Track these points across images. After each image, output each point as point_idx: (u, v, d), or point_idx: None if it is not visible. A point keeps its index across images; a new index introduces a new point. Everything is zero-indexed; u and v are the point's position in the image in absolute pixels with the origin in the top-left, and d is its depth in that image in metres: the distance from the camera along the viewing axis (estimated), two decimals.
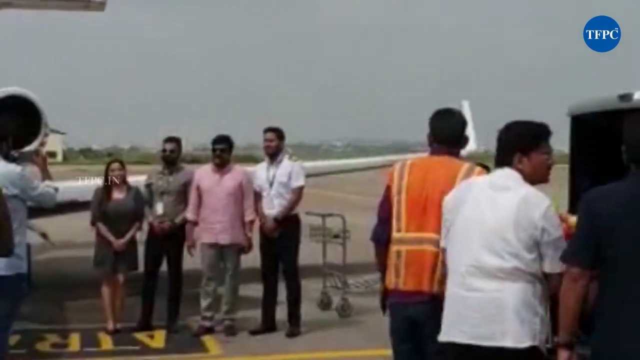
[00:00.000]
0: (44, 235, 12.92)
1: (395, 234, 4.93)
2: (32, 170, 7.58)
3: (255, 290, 10.19)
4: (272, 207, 9.49)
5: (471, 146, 20.33)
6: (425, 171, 4.94)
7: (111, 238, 9.53)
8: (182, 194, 9.78)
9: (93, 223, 9.75)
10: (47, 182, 7.06)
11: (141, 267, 9.85)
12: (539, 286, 4.16)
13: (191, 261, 9.99)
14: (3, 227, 5.83)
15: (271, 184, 9.53)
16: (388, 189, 5.05)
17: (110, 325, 9.56)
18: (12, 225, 5.82)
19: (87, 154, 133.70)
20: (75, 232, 16.54)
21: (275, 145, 9.65)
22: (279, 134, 9.75)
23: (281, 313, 9.69)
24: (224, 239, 9.52)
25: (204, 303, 9.61)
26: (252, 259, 9.89)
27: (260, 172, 9.72)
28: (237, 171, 9.80)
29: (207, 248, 9.61)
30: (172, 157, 9.95)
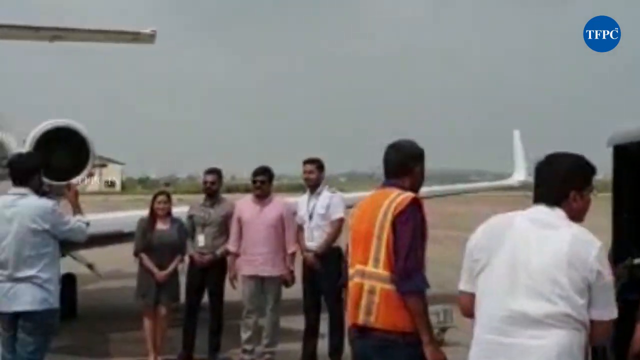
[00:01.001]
0: (90, 267, 13.04)
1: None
2: (63, 204, 7.63)
3: (297, 322, 10.10)
4: (312, 239, 9.40)
5: (522, 176, 20.23)
6: (366, 206, 4.96)
7: (154, 269, 9.55)
8: (223, 226, 9.77)
9: (136, 254, 9.78)
10: (79, 217, 7.10)
11: (183, 299, 9.84)
12: (584, 337, 3.86)
13: (233, 293, 9.94)
14: None
15: (311, 216, 9.46)
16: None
17: (152, 358, 9.54)
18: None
19: (145, 183, 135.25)
20: (124, 262, 16.65)
21: (315, 177, 9.58)
22: (318, 165, 9.69)
23: (323, 347, 9.57)
24: (264, 271, 9.46)
25: (244, 336, 9.56)
26: (295, 291, 9.79)
27: (302, 203, 9.66)
28: (278, 202, 9.76)
29: (247, 280, 9.56)
30: (212, 189, 9.97)
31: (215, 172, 10.10)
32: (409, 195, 4.82)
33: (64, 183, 10.75)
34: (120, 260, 16.81)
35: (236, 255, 9.67)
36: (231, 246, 9.67)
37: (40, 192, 7.03)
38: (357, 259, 4.83)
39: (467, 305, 4.14)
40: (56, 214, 6.85)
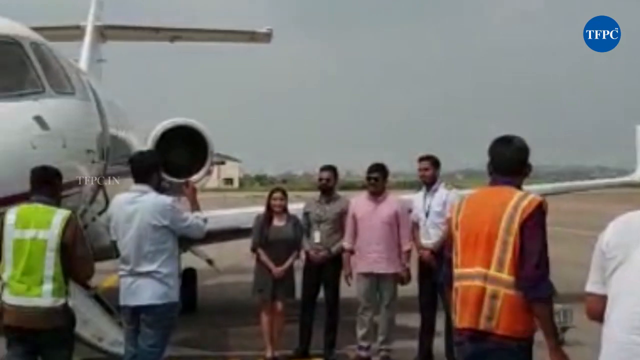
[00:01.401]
0: (209, 262, 13.31)
1: (455, 271, 4.84)
2: (181, 201, 7.81)
3: (413, 320, 10.00)
4: (429, 237, 9.32)
5: None
6: (479, 204, 4.82)
7: (270, 265, 9.66)
8: (338, 223, 9.80)
9: (253, 249, 9.91)
10: (197, 214, 7.25)
11: (299, 295, 9.92)
12: None
13: (348, 289, 9.96)
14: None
15: (427, 214, 9.38)
16: (450, 226, 4.97)
17: (269, 353, 9.65)
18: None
19: (262, 180, 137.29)
20: (242, 257, 16.95)
21: (430, 174, 9.50)
22: (434, 161, 9.60)
23: (439, 345, 9.48)
24: (379, 268, 9.43)
25: (360, 332, 9.56)
26: (411, 288, 9.71)
27: (417, 201, 9.58)
28: (393, 199, 9.71)
29: (362, 277, 9.55)
30: (328, 185, 10.01)
31: (331, 169, 10.14)
32: (536, 198, 4.71)
33: (183, 180, 11.01)
34: (238, 255, 17.15)
35: (351, 252, 9.69)
36: (346, 243, 9.69)
37: (160, 189, 7.23)
38: (473, 261, 4.69)
39: (595, 308, 4.02)
40: (175, 210, 7.01)
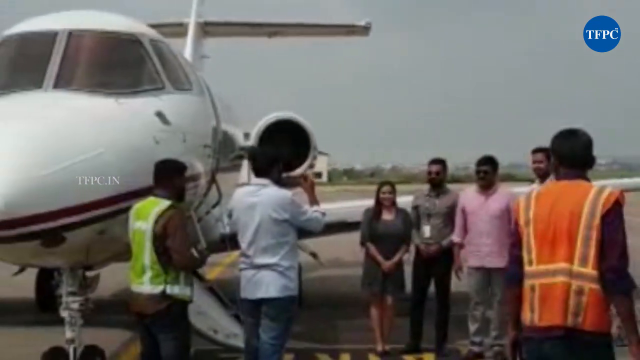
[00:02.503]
0: (313, 255, 13.38)
1: (527, 268, 4.74)
2: (297, 193, 7.89)
3: None
4: None
5: None
6: (552, 199, 4.73)
7: (379, 259, 9.64)
8: (448, 216, 9.74)
9: (362, 243, 9.91)
10: (315, 208, 7.32)
11: (408, 289, 9.89)
12: None
13: (459, 283, 9.89)
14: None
15: None
16: (516, 223, 4.88)
17: (380, 347, 9.66)
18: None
19: (350, 174, 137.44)
20: (343, 250, 17.00)
21: (544, 167, 9.32)
22: (548, 154, 9.40)
23: None
24: (490, 262, 9.32)
25: (472, 328, 9.49)
26: None
27: None
28: (503, 193, 9.58)
29: (473, 271, 9.48)
30: (438, 179, 9.94)
31: (440, 162, 10.07)
32: (614, 191, 4.67)
33: (297, 174, 11.12)
34: (339, 248, 17.20)
35: (461, 246, 9.61)
36: (456, 237, 9.61)
37: (280, 182, 7.32)
38: (553, 257, 4.63)
39: None
40: (295, 204, 7.11)
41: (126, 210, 6.69)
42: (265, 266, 7.00)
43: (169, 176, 6.78)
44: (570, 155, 4.84)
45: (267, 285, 6.99)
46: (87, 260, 7.10)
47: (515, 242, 4.92)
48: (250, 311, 7.18)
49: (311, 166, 14.37)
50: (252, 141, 13.91)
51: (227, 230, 10.46)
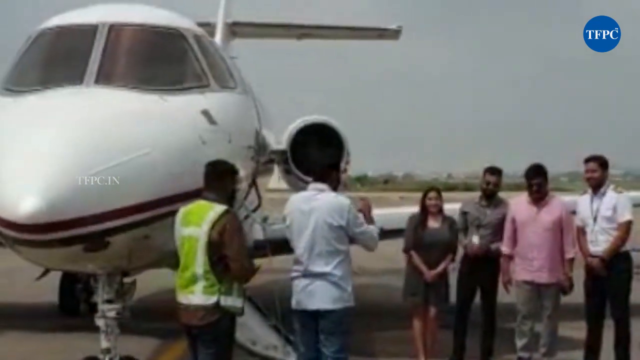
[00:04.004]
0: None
1: None
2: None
3: (578, 331, 9.40)
4: (597, 244, 8.72)
5: None
6: None
7: (423, 268, 9.24)
8: (499, 226, 9.34)
9: (406, 250, 9.50)
10: (372, 227, 7.03)
11: (453, 300, 9.51)
12: None
13: (506, 294, 9.47)
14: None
15: (595, 219, 8.78)
16: None
17: None
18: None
19: (363, 181, 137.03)
20: (374, 259, 16.59)
21: (598, 176, 8.90)
22: (601, 162, 9.00)
23: (609, 358, 8.89)
24: (540, 278, 8.92)
25: (519, 343, 9.10)
26: (577, 296, 9.08)
27: (583, 204, 8.98)
28: (556, 204, 9.15)
29: (523, 284, 9.07)
30: (492, 190, 9.56)
31: (498, 173, 9.66)
32: None
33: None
34: (371, 256, 16.77)
35: (509, 257, 9.21)
36: (505, 247, 9.22)
37: (337, 189, 7.04)
38: None
39: None
40: (352, 212, 6.81)
41: (172, 213, 6.34)
42: (318, 275, 6.71)
43: (221, 178, 6.39)
44: None
45: (322, 296, 6.72)
46: (127, 266, 6.78)
47: None
48: (304, 322, 6.85)
49: (344, 171, 13.99)
50: (284, 145, 13.55)
51: (262, 235, 10.13)
